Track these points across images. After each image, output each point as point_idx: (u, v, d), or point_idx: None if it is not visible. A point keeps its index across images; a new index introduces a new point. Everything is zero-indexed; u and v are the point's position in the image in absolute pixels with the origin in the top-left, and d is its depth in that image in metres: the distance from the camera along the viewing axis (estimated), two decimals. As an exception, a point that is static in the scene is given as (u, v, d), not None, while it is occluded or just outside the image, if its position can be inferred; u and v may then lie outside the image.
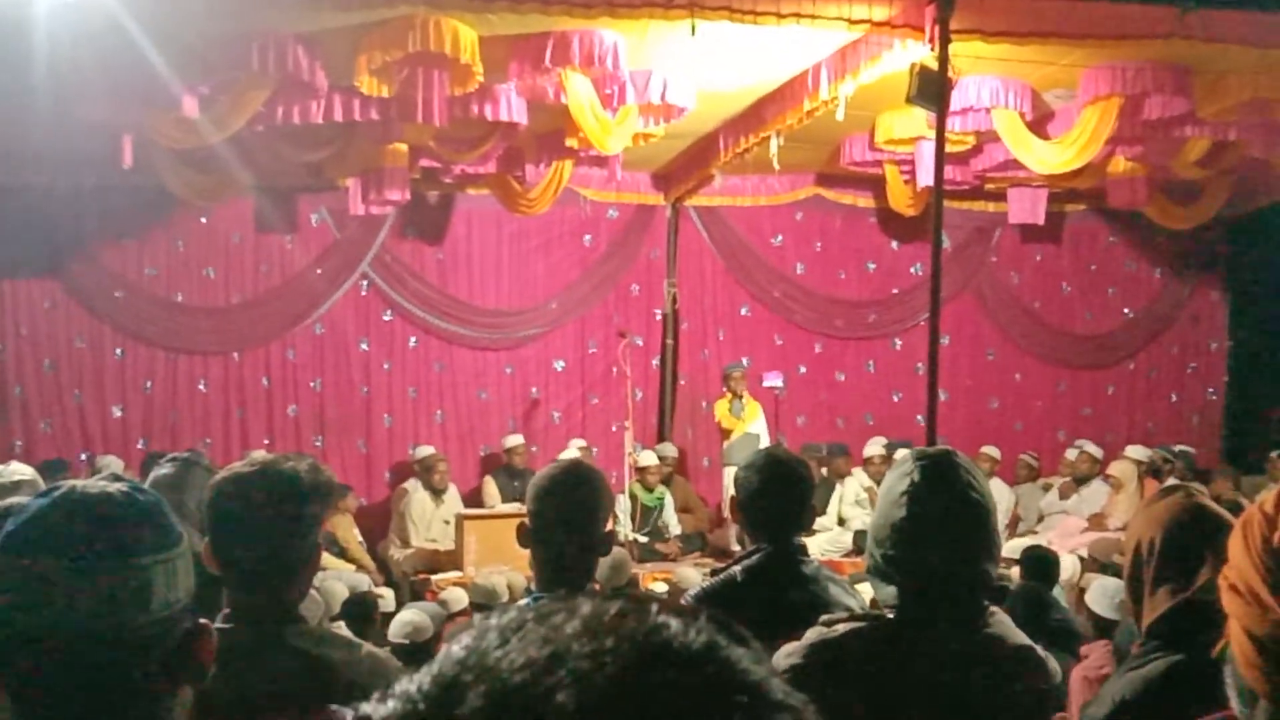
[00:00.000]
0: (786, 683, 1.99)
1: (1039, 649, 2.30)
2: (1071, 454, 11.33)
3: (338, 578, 8.43)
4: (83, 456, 10.44)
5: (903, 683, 2.10)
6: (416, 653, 5.34)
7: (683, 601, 3.14)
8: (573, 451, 10.56)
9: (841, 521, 10.98)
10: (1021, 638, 2.24)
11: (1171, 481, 9.86)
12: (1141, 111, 8.15)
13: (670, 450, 11.22)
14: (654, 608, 0.62)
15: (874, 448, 11.35)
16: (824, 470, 10.84)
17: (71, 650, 1.31)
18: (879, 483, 10.79)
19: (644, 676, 0.58)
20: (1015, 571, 7.05)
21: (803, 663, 2.15)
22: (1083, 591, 5.92)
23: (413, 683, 0.61)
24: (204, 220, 10.87)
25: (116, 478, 1.42)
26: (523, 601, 2.35)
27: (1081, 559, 9.30)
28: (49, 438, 10.59)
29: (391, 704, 0.61)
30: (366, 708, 0.61)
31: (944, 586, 2.14)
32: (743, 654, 0.62)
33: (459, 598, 6.97)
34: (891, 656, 2.13)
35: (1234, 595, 1.40)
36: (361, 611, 6.15)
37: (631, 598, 0.64)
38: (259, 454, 9.79)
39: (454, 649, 0.62)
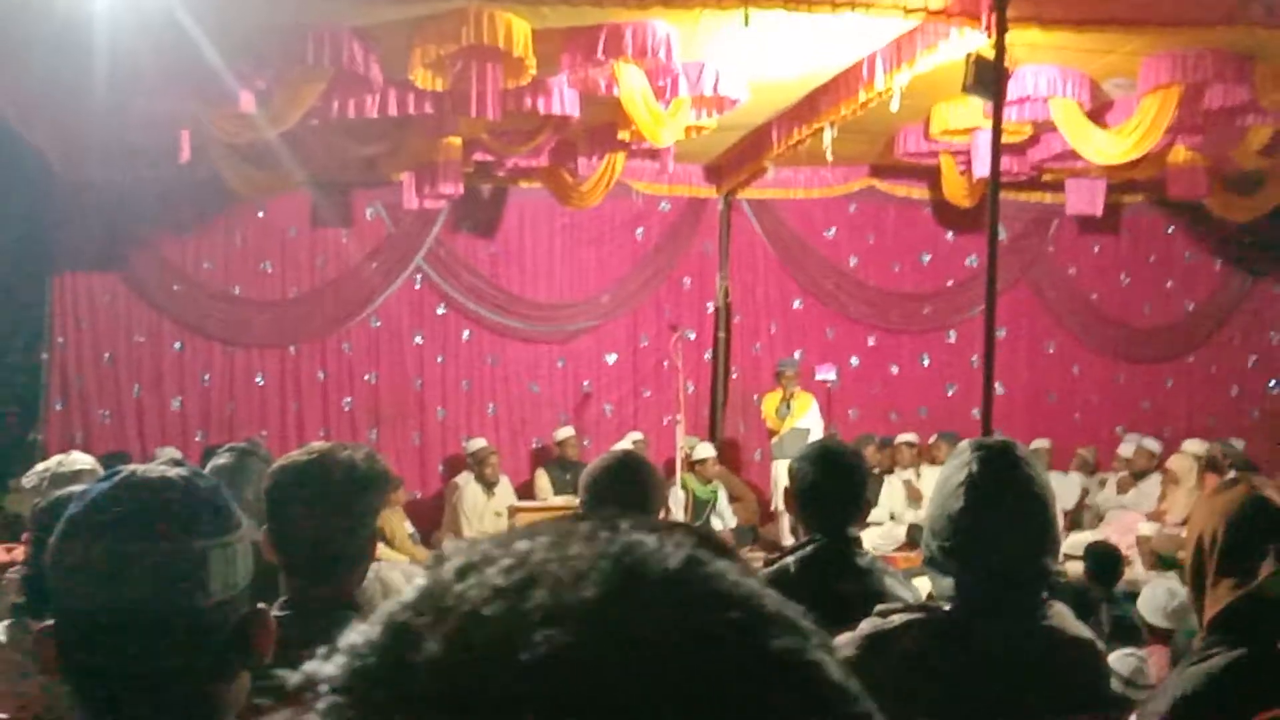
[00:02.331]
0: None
1: (1098, 641, 2.27)
2: (1127, 449, 11.15)
3: (393, 568, 8.47)
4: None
5: (959, 674, 2.07)
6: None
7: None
8: (628, 444, 10.57)
9: (892, 516, 10.91)
10: (1081, 629, 2.21)
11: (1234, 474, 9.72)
12: (1202, 100, 8.00)
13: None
14: (624, 524, 0.56)
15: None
16: (874, 468, 10.81)
17: (129, 632, 1.31)
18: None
19: (624, 599, 0.52)
20: (1070, 567, 6.98)
21: (857, 654, 2.13)
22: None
23: (360, 634, 0.54)
24: (261, 214, 10.99)
25: (177, 463, 1.43)
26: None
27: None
28: (108, 429, 10.74)
29: (338, 659, 0.53)
30: (310, 666, 0.54)
31: (1002, 578, 2.11)
32: (728, 567, 0.55)
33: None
34: (948, 648, 2.11)
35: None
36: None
37: (600, 516, 0.58)
38: (316, 444, 9.79)
39: (407, 591, 0.55)
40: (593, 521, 0.56)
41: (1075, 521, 10.68)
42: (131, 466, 1.41)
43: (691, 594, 0.53)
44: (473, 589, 0.52)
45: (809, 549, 3.06)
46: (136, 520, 1.33)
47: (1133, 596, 6.01)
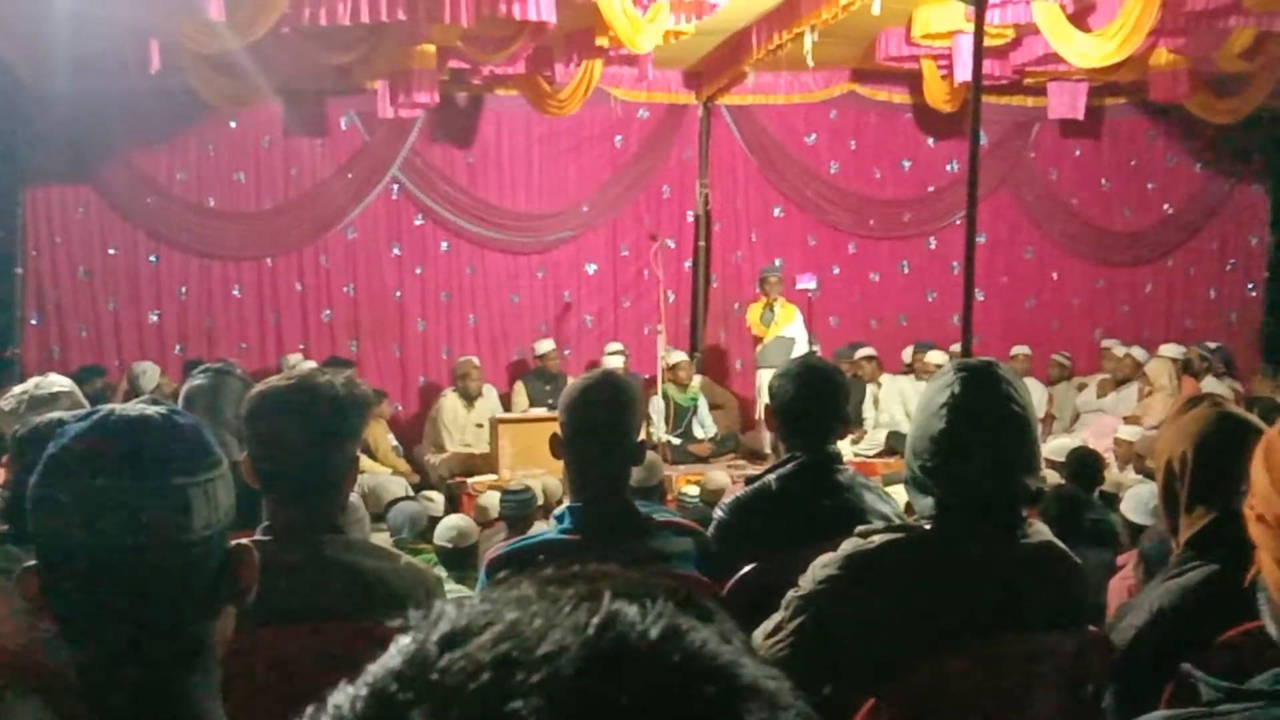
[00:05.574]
0: (824, 593, 1.96)
1: (1073, 556, 2.30)
2: (1119, 351, 11.21)
3: (374, 479, 8.55)
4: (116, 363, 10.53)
5: (939, 594, 2.09)
6: (460, 556, 5.43)
7: (719, 507, 3.15)
8: (610, 357, 10.57)
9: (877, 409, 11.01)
10: (1059, 547, 2.23)
11: (1201, 386, 9.79)
12: (1185, 2, 7.92)
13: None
14: (607, 595, 0.58)
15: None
16: (855, 374, 10.87)
17: (110, 571, 1.31)
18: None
19: (601, 678, 0.54)
20: (1051, 474, 7.03)
21: (839, 574, 2.15)
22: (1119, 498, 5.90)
23: (347, 698, 0.56)
24: (233, 125, 10.82)
25: (155, 401, 1.42)
26: (559, 509, 2.36)
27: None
28: (85, 343, 10.68)
29: None
30: None
31: (982, 498, 2.13)
32: (707, 636, 0.57)
33: (497, 502, 7.03)
34: (928, 568, 2.13)
35: (1262, 526, 1.36)
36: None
37: (584, 578, 0.60)
38: (295, 357, 9.72)
39: (391, 657, 0.57)
40: (578, 587, 0.58)
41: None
42: (110, 405, 1.40)
43: (669, 668, 0.55)
44: (458, 662, 0.54)
45: (789, 466, 3.09)
46: (115, 459, 1.32)
47: (1109, 501, 6.07)
